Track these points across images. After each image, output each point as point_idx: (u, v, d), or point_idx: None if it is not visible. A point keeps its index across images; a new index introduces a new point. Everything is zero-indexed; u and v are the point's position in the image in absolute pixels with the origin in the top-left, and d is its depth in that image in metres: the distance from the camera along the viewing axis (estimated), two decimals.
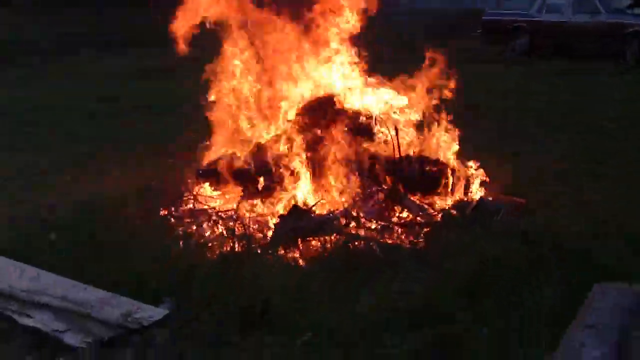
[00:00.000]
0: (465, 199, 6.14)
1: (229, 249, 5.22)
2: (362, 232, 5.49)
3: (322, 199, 5.76)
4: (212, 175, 6.14)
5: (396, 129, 6.09)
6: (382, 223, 5.65)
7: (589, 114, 10.98)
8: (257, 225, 5.50)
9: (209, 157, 6.35)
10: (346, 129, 6.05)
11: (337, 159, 5.89)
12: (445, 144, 6.48)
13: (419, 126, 6.61)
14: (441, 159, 6.33)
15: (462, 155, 6.59)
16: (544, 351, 3.93)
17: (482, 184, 6.41)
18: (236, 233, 5.31)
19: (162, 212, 5.94)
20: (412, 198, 6.00)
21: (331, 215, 5.54)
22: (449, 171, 6.20)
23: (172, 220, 5.80)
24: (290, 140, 6.01)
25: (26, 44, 20.37)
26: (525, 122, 10.47)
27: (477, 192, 6.30)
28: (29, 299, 4.58)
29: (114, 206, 6.07)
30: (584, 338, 2.34)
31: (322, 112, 6.16)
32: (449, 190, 6.17)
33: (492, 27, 20.01)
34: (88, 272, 4.96)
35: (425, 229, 5.66)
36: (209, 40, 6.57)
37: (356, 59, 6.54)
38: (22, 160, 8.43)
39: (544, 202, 6.54)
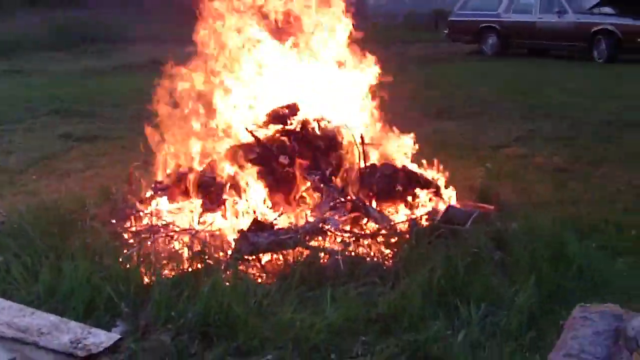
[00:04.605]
0: (434, 208, 5.92)
1: (186, 266, 4.94)
2: (326, 246, 5.26)
3: (283, 212, 5.52)
4: (169, 189, 5.85)
5: (362, 137, 5.86)
6: (348, 235, 5.41)
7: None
8: (215, 241, 5.24)
9: (166, 168, 6.07)
10: (308, 138, 5.83)
11: (300, 170, 5.65)
12: (408, 150, 6.32)
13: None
14: (407, 166, 6.13)
15: (429, 159, 6.43)
16: None
17: (452, 190, 6.22)
18: (194, 249, 5.02)
19: (117, 226, 5.65)
20: (378, 208, 5.78)
21: (294, 228, 5.29)
22: (418, 180, 6.00)
23: (128, 235, 5.52)
24: (249, 151, 5.75)
25: None
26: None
27: (446, 200, 6.09)
28: None
29: (71, 213, 5.77)
30: None
31: (283, 121, 5.93)
32: (418, 199, 5.97)
33: (459, 27, 20.15)
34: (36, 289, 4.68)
35: (392, 240, 5.45)
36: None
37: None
38: None
39: (518, 201, 6.46)
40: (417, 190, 5.96)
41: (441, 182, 6.20)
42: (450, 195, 6.17)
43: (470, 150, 9.06)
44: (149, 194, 6.04)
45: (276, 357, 4.04)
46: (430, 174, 6.25)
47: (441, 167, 6.38)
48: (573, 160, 8.61)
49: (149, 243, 5.24)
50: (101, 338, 4.15)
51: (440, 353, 4.10)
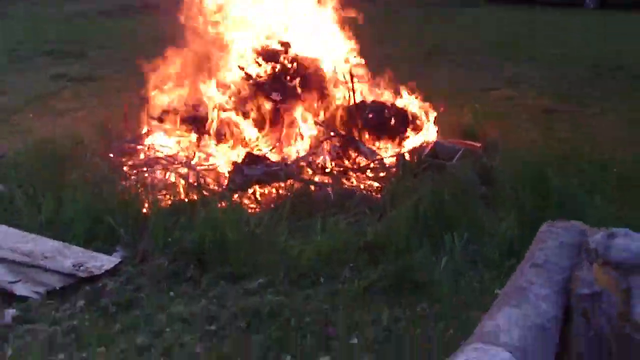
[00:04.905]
0: (422, 144, 6.11)
1: (182, 196, 5.13)
2: (317, 178, 5.46)
3: (276, 146, 5.70)
4: (164, 124, 6.02)
5: (351, 75, 6.02)
6: (338, 169, 5.61)
7: None
8: (210, 173, 5.43)
9: (164, 102, 6.24)
10: (301, 75, 5.98)
11: (293, 106, 5.83)
12: (401, 89, 6.48)
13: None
14: (397, 103, 6.30)
15: (421, 98, 6.58)
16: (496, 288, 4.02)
17: (439, 127, 6.41)
18: (190, 180, 5.22)
19: (116, 159, 5.84)
20: (368, 144, 5.97)
21: (286, 161, 5.49)
22: (406, 116, 6.18)
23: (127, 167, 5.71)
24: (244, 87, 5.91)
25: None
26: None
27: (433, 136, 6.28)
28: None
29: (71, 148, 5.94)
30: (532, 276, 2.34)
31: (276, 59, 6.07)
32: (406, 135, 6.16)
33: None
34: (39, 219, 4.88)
35: (381, 174, 5.65)
36: None
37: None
38: None
39: (505, 140, 6.65)
40: (406, 127, 6.14)
41: (429, 120, 6.37)
42: (437, 132, 6.35)
43: (459, 92, 9.19)
44: (145, 129, 6.21)
45: (267, 282, 4.26)
46: (419, 111, 6.41)
47: (430, 105, 6.54)
48: (561, 101, 8.78)
49: (146, 175, 5.43)
50: (102, 261, 4.38)
51: (423, 279, 4.33)
